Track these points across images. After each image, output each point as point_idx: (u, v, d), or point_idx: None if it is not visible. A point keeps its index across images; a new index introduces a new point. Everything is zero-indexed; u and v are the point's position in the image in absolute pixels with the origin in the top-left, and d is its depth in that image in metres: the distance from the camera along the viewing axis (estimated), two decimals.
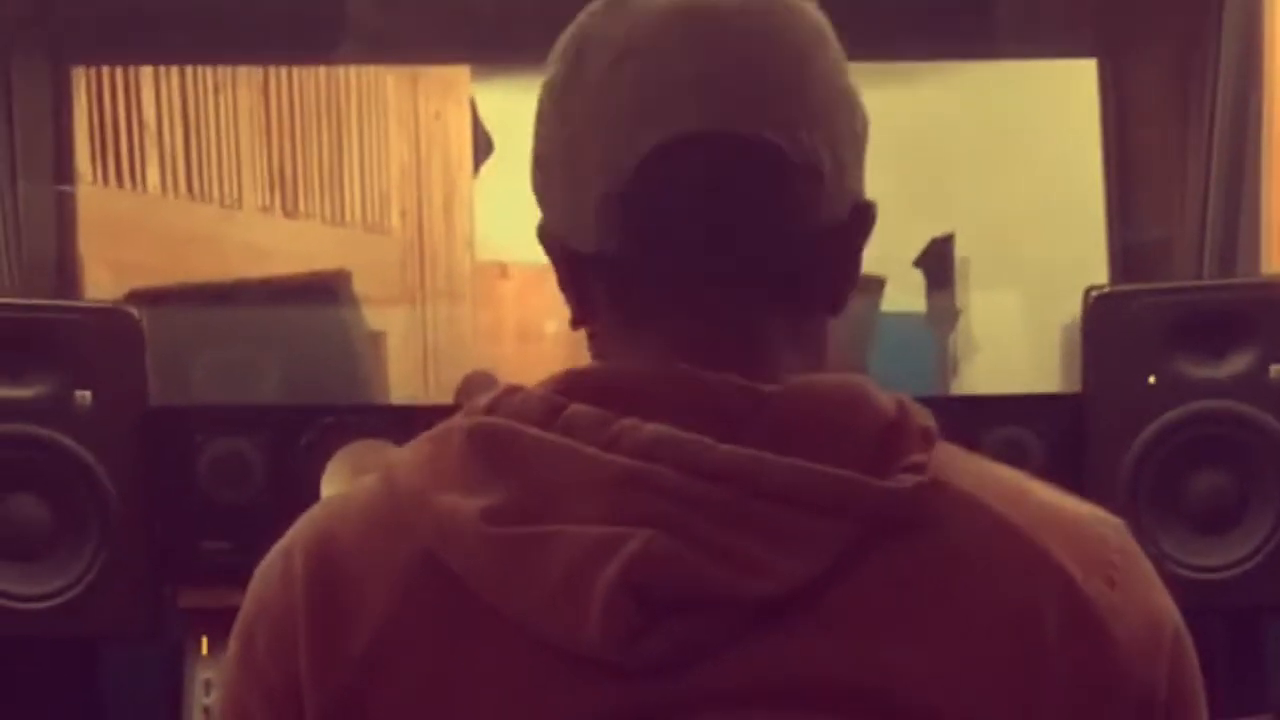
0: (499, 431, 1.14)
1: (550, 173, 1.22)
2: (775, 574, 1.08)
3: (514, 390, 1.17)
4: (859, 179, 1.22)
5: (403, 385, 4.14)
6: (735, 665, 1.09)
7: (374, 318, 3.77)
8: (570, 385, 1.16)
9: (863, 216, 1.22)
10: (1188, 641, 1.19)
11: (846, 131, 1.20)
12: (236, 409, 2.67)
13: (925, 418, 1.16)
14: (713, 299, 1.18)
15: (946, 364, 4.55)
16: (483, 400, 1.18)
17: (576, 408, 1.13)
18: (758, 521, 1.09)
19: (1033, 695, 1.11)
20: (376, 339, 3.81)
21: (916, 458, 1.13)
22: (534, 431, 1.13)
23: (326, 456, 2.51)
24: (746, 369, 1.15)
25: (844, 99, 1.21)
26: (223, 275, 3.55)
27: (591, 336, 1.25)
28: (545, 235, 1.24)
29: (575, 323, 1.25)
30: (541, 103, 1.22)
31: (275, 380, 3.08)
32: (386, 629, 1.13)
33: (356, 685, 1.13)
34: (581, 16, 1.22)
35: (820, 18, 1.22)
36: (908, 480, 1.11)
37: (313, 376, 3.11)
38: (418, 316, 4.33)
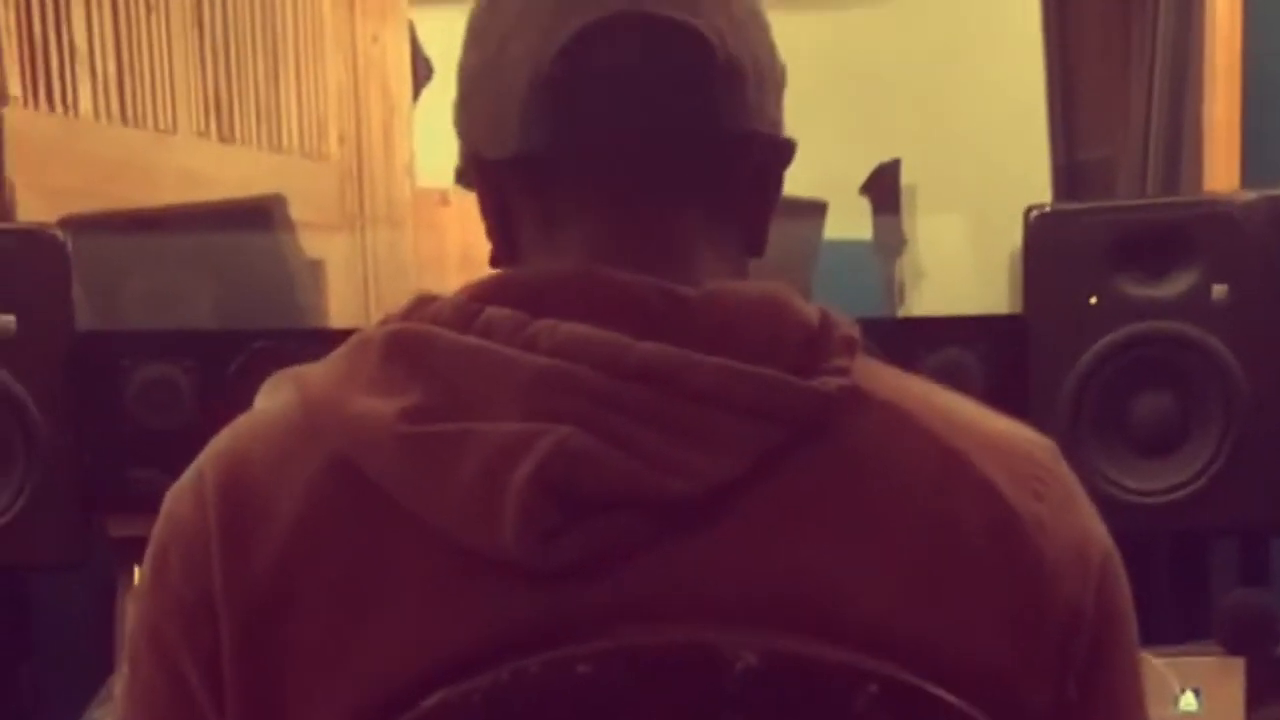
0: (415, 336, 1.12)
1: (474, 86, 1.21)
2: (694, 474, 1.06)
3: (430, 299, 1.16)
4: (778, 116, 1.22)
5: (343, 313, 4.09)
6: (653, 570, 1.07)
7: (313, 245, 3.71)
8: (486, 290, 1.15)
9: (781, 149, 1.22)
10: (1118, 566, 1.18)
11: (766, 60, 1.20)
12: (165, 334, 2.63)
13: (849, 327, 1.15)
14: (631, 196, 1.17)
15: (893, 290, 4.53)
16: (398, 309, 1.16)
17: (493, 311, 1.12)
18: (677, 421, 1.07)
19: (956, 600, 1.09)
20: (316, 266, 3.75)
21: (839, 362, 1.12)
22: (451, 335, 1.11)
23: (258, 382, 2.45)
24: (665, 272, 1.13)
25: (765, 35, 1.21)
26: (157, 201, 3.48)
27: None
28: (465, 164, 1.23)
29: (495, 259, 1.23)
30: (466, 34, 1.22)
31: (210, 307, 3.03)
32: (296, 536, 1.11)
33: (269, 595, 1.10)
34: None
35: None
36: (831, 383, 1.10)
37: (248, 303, 3.06)
38: (357, 244, 4.28)
